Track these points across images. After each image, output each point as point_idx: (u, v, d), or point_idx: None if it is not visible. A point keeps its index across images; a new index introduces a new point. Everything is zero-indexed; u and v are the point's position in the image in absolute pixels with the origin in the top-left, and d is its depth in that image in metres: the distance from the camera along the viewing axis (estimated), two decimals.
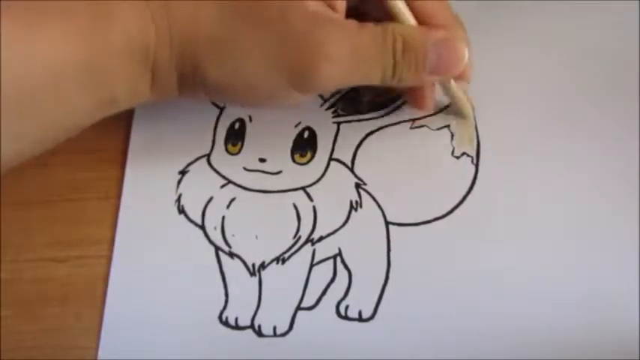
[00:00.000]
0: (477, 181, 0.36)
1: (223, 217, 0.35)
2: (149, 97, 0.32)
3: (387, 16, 0.31)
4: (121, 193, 0.36)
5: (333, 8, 0.31)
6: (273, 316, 0.34)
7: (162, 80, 0.31)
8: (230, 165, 0.36)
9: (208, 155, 0.37)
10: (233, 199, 0.36)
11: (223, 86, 0.31)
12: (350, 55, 0.30)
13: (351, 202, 0.35)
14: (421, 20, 0.32)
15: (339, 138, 0.37)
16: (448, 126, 0.37)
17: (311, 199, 0.36)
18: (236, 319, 0.34)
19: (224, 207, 0.36)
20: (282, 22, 0.29)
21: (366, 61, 0.31)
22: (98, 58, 0.29)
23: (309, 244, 0.35)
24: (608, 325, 0.33)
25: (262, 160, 0.36)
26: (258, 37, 0.29)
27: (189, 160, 0.37)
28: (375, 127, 0.37)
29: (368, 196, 0.36)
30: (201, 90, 0.31)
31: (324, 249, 0.35)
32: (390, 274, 0.34)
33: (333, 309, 0.34)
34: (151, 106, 0.34)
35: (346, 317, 0.34)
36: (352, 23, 0.30)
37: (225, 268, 0.35)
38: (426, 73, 0.32)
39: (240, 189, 0.36)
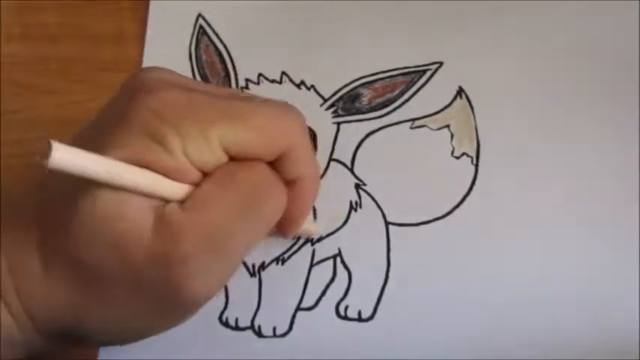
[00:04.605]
0: (477, 181, 0.36)
1: None
2: None
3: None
4: None
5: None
6: (273, 317, 0.34)
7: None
8: None
9: None
10: None
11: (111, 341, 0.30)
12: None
13: (351, 202, 0.35)
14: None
15: (339, 138, 0.37)
16: (448, 126, 0.37)
17: None
18: (236, 320, 0.34)
19: None
20: (132, 280, 0.26)
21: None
22: None
23: (309, 244, 0.35)
24: (608, 325, 0.33)
25: None
26: (121, 297, 0.26)
27: None
28: (375, 127, 0.37)
29: (368, 196, 0.36)
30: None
31: (324, 249, 0.35)
32: (390, 274, 0.34)
33: (333, 309, 0.34)
34: None
35: (346, 317, 0.34)
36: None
37: None
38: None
39: None
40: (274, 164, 0.27)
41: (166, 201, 0.25)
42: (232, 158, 0.26)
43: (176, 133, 0.25)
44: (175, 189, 0.25)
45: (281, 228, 0.29)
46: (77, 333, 0.27)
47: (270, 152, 0.27)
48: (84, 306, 0.26)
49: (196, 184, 0.26)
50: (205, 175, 0.26)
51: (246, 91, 0.38)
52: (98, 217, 0.25)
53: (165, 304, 0.26)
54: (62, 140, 0.23)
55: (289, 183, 0.28)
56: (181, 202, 0.25)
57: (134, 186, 0.24)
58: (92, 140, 0.26)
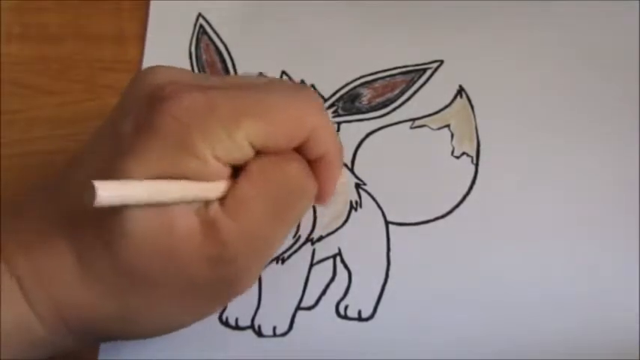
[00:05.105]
0: (477, 181, 0.36)
1: None
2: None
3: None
4: None
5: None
6: (273, 316, 0.34)
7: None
8: None
9: None
10: None
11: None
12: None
13: (351, 202, 0.35)
14: None
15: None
16: (448, 126, 0.37)
17: None
18: (236, 320, 0.34)
19: None
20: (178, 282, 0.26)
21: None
22: None
23: (309, 243, 0.35)
24: (608, 325, 0.33)
25: None
26: (163, 304, 0.27)
27: None
28: (375, 127, 0.37)
29: (368, 196, 0.36)
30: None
31: (324, 249, 0.35)
32: (390, 274, 0.34)
33: (333, 309, 0.34)
34: None
35: (346, 317, 0.34)
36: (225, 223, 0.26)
37: None
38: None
39: None
40: (299, 147, 0.28)
41: (206, 202, 0.26)
42: (259, 150, 0.27)
43: (204, 139, 0.25)
44: (213, 190, 0.26)
45: (315, 201, 0.30)
46: (114, 333, 0.28)
47: (294, 141, 0.27)
48: (128, 312, 0.27)
49: (230, 178, 0.26)
50: (236, 167, 0.27)
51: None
52: (144, 231, 0.25)
53: (212, 299, 0.28)
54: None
55: (315, 160, 0.29)
56: (220, 200, 0.26)
57: (178, 199, 0.25)
58: (112, 149, 0.26)
